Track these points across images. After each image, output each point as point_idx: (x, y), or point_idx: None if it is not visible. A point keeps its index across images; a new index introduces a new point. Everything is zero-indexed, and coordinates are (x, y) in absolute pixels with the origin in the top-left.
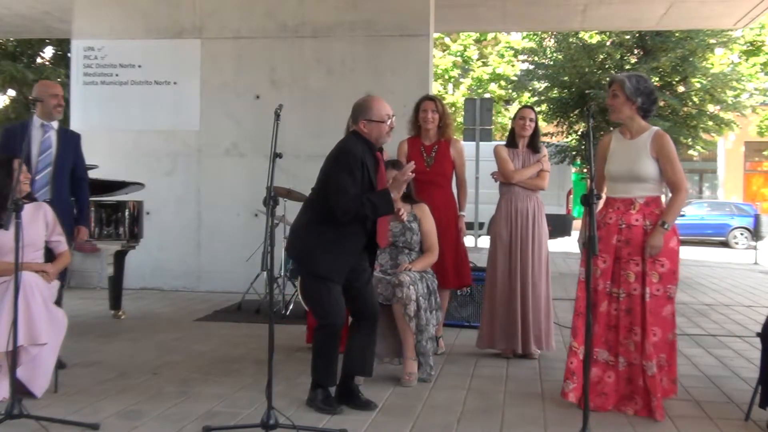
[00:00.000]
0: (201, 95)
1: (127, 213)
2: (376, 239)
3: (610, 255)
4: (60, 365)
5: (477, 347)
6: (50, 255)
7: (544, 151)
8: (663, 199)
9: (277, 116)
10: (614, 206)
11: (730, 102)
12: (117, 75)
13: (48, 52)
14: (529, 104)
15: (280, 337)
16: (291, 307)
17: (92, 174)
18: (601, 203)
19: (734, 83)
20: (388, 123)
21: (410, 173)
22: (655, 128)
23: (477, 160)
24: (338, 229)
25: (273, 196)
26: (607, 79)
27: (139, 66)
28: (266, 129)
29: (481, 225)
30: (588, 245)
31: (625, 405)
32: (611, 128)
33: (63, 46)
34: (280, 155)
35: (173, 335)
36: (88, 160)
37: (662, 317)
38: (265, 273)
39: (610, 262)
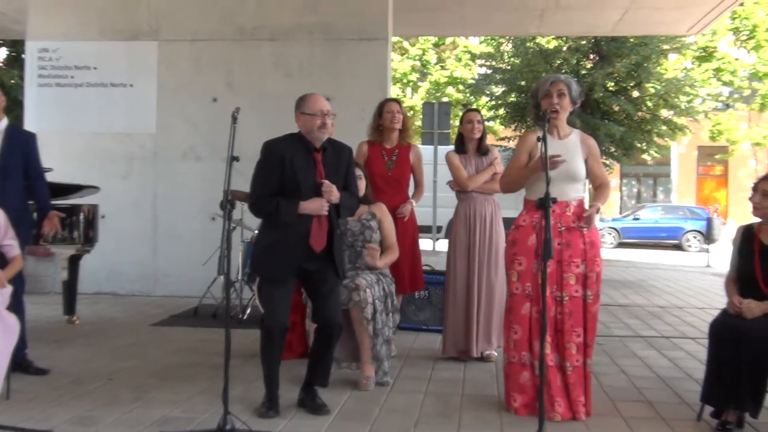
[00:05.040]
0: (157, 98)
1: (81, 217)
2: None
3: (552, 259)
4: (41, 371)
5: (443, 354)
6: (1, 260)
7: (496, 153)
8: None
9: (234, 119)
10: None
11: (683, 107)
12: (72, 77)
13: (1, 53)
14: (474, 107)
15: (236, 341)
16: (248, 311)
17: (46, 177)
18: (517, 205)
19: (687, 89)
20: (320, 117)
21: (331, 195)
22: (578, 130)
23: (435, 163)
24: (274, 230)
25: (230, 200)
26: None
27: (95, 68)
28: (223, 132)
29: (439, 228)
30: (543, 249)
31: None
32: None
33: (17, 47)
34: (237, 158)
35: (128, 340)
36: (43, 163)
37: (594, 316)
38: (221, 277)
39: (553, 267)
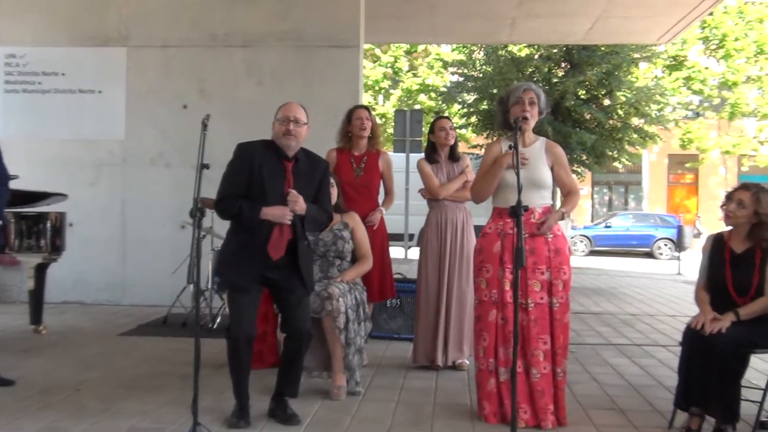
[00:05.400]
0: (126, 104)
1: (48, 225)
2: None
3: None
4: (7, 382)
5: (414, 363)
6: None
7: (468, 161)
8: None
9: (204, 126)
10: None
11: (653, 115)
12: (40, 83)
13: None
14: (444, 114)
15: (206, 351)
16: (218, 320)
17: (13, 184)
18: (488, 213)
19: (658, 97)
20: (285, 124)
21: (296, 205)
22: (543, 138)
23: (407, 171)
24: (238, 236)
25: (200, 208)
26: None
27: (63, 74)
28: (194, 139)
29: (411, 236)
30: (515, 257)
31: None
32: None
33: None
34: (207, 166)
35: (96, 350)
36: (9, 170)
37: (565, 324)
38: (191, 286)
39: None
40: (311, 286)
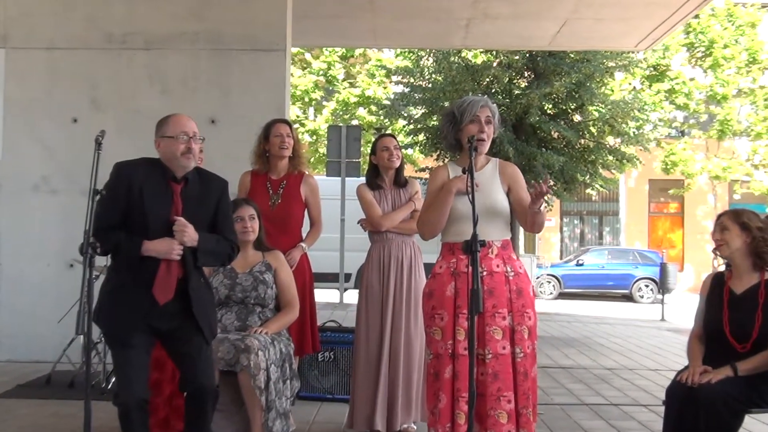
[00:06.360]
0: (4, 117)
1: None
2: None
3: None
4: None
5: (349, 428)
6: None
7: (417, 186)
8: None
9: (99, 144)
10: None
11: (631, 134)
12: None
13: None
14: (389, 132)
15: (99, 416)
16: (113, 379)
17: None
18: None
19: (636, 112)
20: (185, 142)
21: (183, 235)
22: (495, 159)
23: (342, 199)
24: (118, 275)
25: (92, 243)
26: (472, 95)
27: None
28: (85, 160)
29: (347, 277)
30: (470, 301)
31: None
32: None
33: None
34: (101, 192)
35: None
36: None
37: (533, 378)
38: (81, 337)
39: (475, 319)
40: (211, 333)
